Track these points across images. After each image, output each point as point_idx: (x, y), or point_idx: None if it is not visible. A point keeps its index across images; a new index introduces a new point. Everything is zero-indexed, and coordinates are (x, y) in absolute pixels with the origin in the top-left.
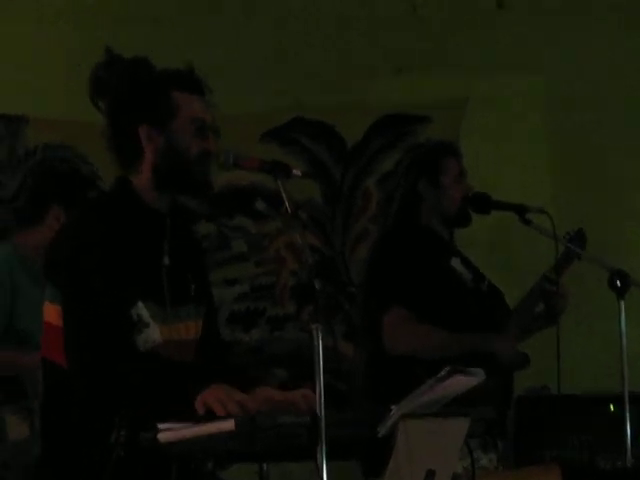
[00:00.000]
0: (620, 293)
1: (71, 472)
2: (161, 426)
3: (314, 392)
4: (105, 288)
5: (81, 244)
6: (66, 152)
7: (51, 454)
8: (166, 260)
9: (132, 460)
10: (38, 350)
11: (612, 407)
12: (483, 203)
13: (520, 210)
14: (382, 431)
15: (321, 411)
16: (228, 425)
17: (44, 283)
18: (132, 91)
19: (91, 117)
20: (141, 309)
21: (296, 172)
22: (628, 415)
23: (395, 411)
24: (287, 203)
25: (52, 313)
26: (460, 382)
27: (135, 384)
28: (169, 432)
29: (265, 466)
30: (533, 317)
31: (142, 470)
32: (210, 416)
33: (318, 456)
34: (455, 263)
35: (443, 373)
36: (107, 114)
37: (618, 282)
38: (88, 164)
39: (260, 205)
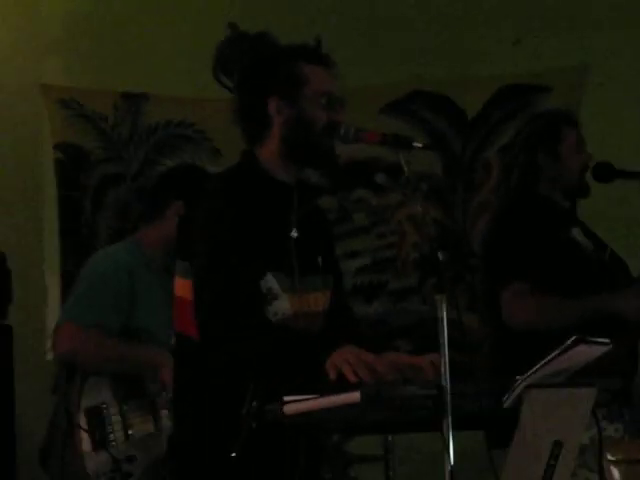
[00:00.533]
0: None
1: (203, 444)
2: (286, 398)
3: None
4: (237, 259)
5: (212, 217)
6: (186, 129)
7: (183, 427)
8: (294, 232)
9: (264, 432)
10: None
11: None
12: (605, 172)
13: None
14: (508, 402)
15: (446, 382)
16: (353, 397)
17: (168, 273)
18: (262, 64)
19: (212, 94)
20: (271, 281)
21: (417, 144)
22: None
23: (520, 382)
24: (408, 175)
25: (184, 288)
26: (585, 352)
27: (267, 353)
28: (294, 404)
29: (390, 437)
30: None
31: (272, 442)
32: (338, 385)
33: (444, 427)
34: (576, 233)
35: (568, 343)
36: (236, 86)
37: None
38: (208, 140)
39: (380, 178)
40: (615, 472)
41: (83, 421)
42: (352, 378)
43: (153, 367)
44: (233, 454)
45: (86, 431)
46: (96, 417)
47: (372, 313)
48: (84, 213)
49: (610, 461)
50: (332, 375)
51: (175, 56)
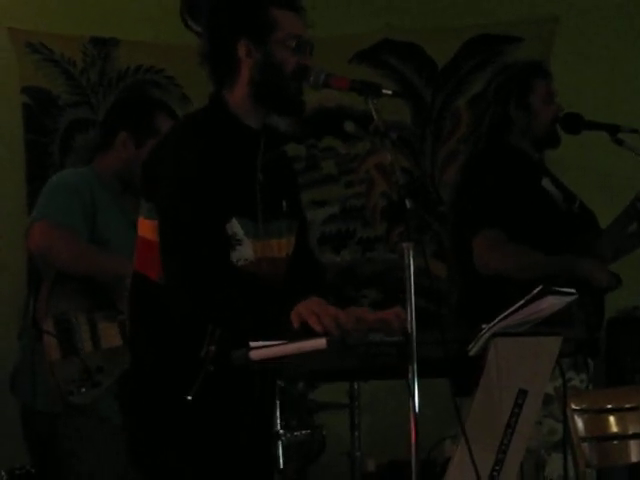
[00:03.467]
0: None
1: (159, 385)
2: (253, 344)
3: (405, 312)
4: (203, 202)
5: (178, 159)
6: (156, 75)
7: (139, 367)
8: (260, 176)
9: (221, 375)
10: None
11: None
12: (574, 123)
13: (612, 130)
14: (473, 350)
15: (412, 329)
16: (319, 343)
17: (121, 203)
18: (231, 6)
19: (181, 40)
20: (235, 226)
21: (386, 91)
22: None
23: (486, 330)
24: (377, 122)
25: (147, 228)
26: (552, 302)
27: (232, 298)
28: (261, 350)
29: (356, 385)
30: (626, 237)
31: (230, 386)
32: (304, 332)
33: (409, 374)
34: (546, 184)
35: (534, 293)
36: (205, 29)
37: None
38: (177, 86)
39: (349, 126)
40: (579, 421)
41: (51, 329)
42: (318, 328)
43: (121, 276)
44: (189, 397)
45: (55, 337)
46: (64, 324)
47: (340, 262)
48: (52, 158)
49: (574, 410)
50: (295, 324)
51: (145, 1)
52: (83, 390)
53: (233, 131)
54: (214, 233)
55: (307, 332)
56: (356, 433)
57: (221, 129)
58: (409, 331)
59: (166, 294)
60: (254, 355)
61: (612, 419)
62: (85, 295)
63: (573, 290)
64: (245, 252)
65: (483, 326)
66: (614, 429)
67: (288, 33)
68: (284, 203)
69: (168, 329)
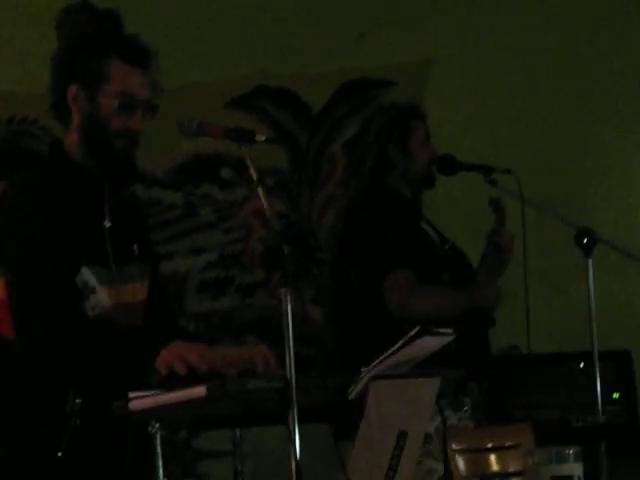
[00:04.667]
0: (587, 251)
1: (28, 446)
2: (132, 394)
3: (275, 353)
4: (48, 256)
5: (17, 215)
6: (30, 125)
7: (4, 430)
8: (107, 222)
9: (89, 428)
10: None
11: (582, 364)
12: (449, 165)
13: (486, 170)
14: (353, 393)
15: (291, 375)
16: (199, 391)
17: None
18: (70, 49)
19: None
20: (86, 274)
21: (259, 137)
22: (598, 372)
23: (365, 373)
24: (252, 169)
25: None
26: (429, 342)
27: (89, 352)
28: (140, 400)
29: (238, 432)
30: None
31: (100, 438)
32: (171, 379)
33: (290, 420)
34: (425, 226)
35: (412, 334)
36: (50, 67)
37: (585, 239)
38: (51, 136)
39: (226, 173)
40: (460, 461)
41: None
42: (181, 371)
43: None
44: (59, 453)
45: None
46: None
47: (220, 308)
48: None
49: (455, 450)
50: (163, 371)
51: (17, 51)
52: None
53: (73, 177)
54: (62, 287)
55: (175, 378)
56: None
57: (60, 176)
58: (288, 377)
59: (21, 353)
60: (133, 405)
61: (493, 458)
62: None
63: (450, 330)
64: (100, 299)
65: (362, 369)
66: (495, 468)
67: (118, 90)
68: (135, 247)
69: (29, 387)
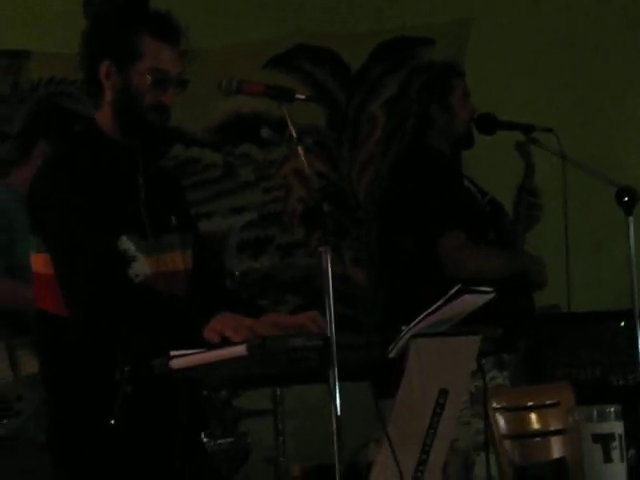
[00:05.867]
0: (628, 209)
1: (79, 415)
2: (173, 353)
3: (322, 316)
4: (88, 227)
5: (54, 189)
6: (69, 86)
7: (55, 401)
8: (142, 195)
9: (140, 395)
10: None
11: (622, 323)
12: (489, 123)
13: (527, 129)
14: (393, 352)
15: (332, 333)
16: (240, 350)
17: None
18: (102, 26)
19: None
20: (126, 243)
21: (300, 95)
22: (639, 330)
23: (405, 332)
24: (291, 128)
25: (39, 262)
26: (469, 301)
27: (138, 317)
28: (181, 359)
29: (278, 391)
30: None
31: (151, 404)
32: (222, 343)
33: (330, 378)
34: (467, 184)
35: (452, 293)
36: (80, 45)
37: (626, 198)
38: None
39: (265, 132)
40: (500, 419)
41: None
42: (236, 338)
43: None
44: (112, 421)
45: None
46: None
47: (260, 268)
48: None
49: (495, 409)
50: (215, 339)
51: (57, 13)
52: (5, 422)
53: (108, 151)
54: (107, 251)
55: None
56: (280, 439)
57: (95, 150)
58: (329, 335)
59: (72, 323)
60: (175, 364)
61: (533, 416)
62: (3, 322)
63: (490, 289)
64: (140, 268)
65: (403, 328)
66: (535, 426)
67: (151, 66)
68: (173, 218)
69: (77, 359)
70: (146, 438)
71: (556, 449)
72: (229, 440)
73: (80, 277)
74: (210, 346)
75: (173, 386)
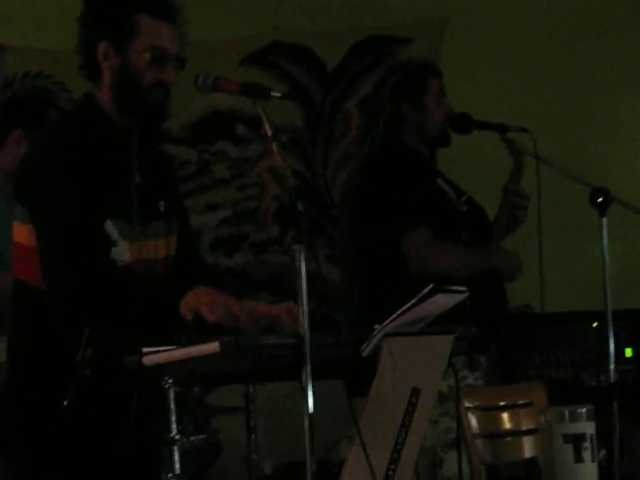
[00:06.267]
0: (601, 210)
1: (34, 392)
2: (145, 349)
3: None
4: (74, 206)
5: (47, 163)
6: (45, 80)
7: (18, 373)
8: (137, 178)
9: (97, 380)
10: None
11: (595, 324)
12: (465, 123)
13: (501, 129)
14: (366, 350)
15: (305, 331)
16: (213, 347)
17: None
18: (98, 7)
19: (70, 45)
20: (109, 227)
21: (275, 93)
22: (611, 331)
23: (378, 330)
24: (267, 126)
25: (22, 233)
26: (443, 300)
27: (117, 295)
28: (154, 355)
29: (251, 388)
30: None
31: (106, 390)
32: (197, 323)
33: (303, 376)
34: (441, 183)
35: (425, 292)
36: (78, 26)
37: (600, 198)
38: (66, 92)
39: (241, 130)
40: (472, 419)
41: None
42: (211, 317)
43: (3, 291)
44: (65, 402)
45: None
46: None
47: (234, 265)
48: None
49: (467, 408)
50: (188, 315)
51: (30, 6)
52: None
53: (105, 131)
54: (90, 231)
55: (200, 323)
56: (253, 436)
57: (92, 129)
58: (302, 333)
59: (48, 297)
60: (147, 361)
61: (505, 416)
62: None
63: (463, 288)
64: (120, 253)
65: (376, 326)
66: (507, 426)
67: (149, 44)
68: (162, 204)
69: (45, 334)
70: (95, 423)
71: (528, 449)
72: (201, 437)
73: (60, 254)
74: (183, 343)
75: (129, 375)
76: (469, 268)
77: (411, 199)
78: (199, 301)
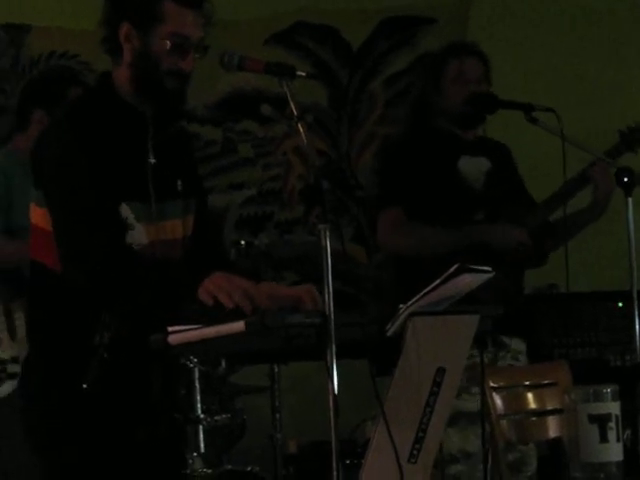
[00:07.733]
0: (627, 190)
1: (55, 373)
2: (171, 328)
3: (318, 291)
4: (89, 189)
5: (62, 144)
6: (70, 60)
7: (37, 355)
8: (151, 159)
9: (116, 363)
10: None
11: (620, 304)
12: (488, 102)
13: (527, 109)
14: (391, 330)
15: (330, 311)
16: (238, 326)
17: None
18: None
19: (95, 24)
20: (125, 210)
21: (300, 73)
22: (637, 311)
23: (403, 310)
24: (292, 105)
25: (39, 215)
26: (468, 280)
27: (135, 280)
28: (179, 334)
29: (276, 367)
30: (577, 212)
31: (125, 374)
32: (217, 308)
33: (327, 356)
34: (463, 163)
35: (451, 271)
36: (104, 3)
37: (625, 178)
38: (93, 72)
39: (266, 109)
40: (497, 398)
41: None
42: (229, 303)
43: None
44: (84, 385)
45: None
46: None
47: (258, 244)
48: None
49: (492, 388)
50: (209, 301)
51: None
52: None
53: (120, 112)
54: (106, 215)
55: (219, 308)
56: (277, 415)
57: (107, 110)
58: (327, 313)
59: (64, 280)
60: (172, 339)
61: (530, 395)
62: (1, 283)
63: (489, 268)
64: (137, 236)
65: (400, 306)
66: (532, 405)
67: (172, 31)
68: (179, 183)
69: (63, 317)
70: (114, 406)
71: (552, 429)
72: (225, 416)
73: (75, 238)
74: (209, 321)
75: (148, 359)
76: (439, 246)
77: (393, 179)
78: (217, 286)
